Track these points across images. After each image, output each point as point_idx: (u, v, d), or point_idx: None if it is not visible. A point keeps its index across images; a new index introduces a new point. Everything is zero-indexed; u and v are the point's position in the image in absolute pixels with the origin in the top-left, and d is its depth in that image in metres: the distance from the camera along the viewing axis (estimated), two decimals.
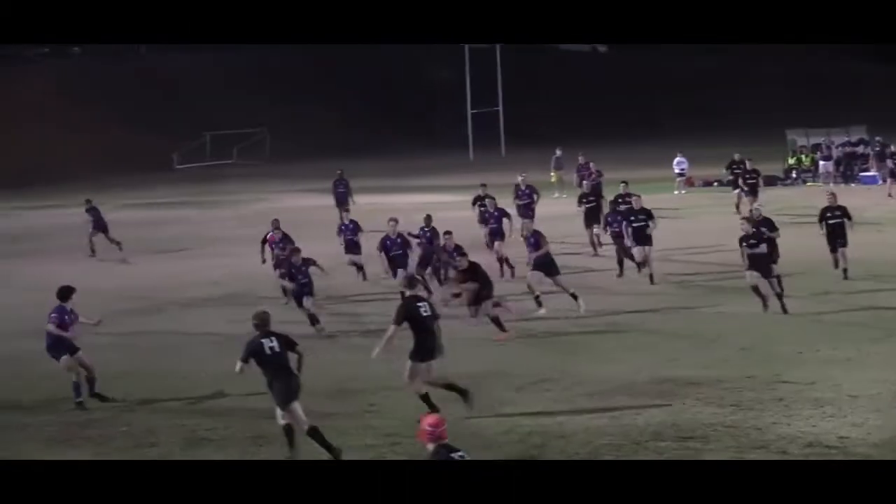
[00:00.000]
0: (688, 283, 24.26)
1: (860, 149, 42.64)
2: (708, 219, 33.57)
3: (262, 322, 14.03)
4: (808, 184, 40.85)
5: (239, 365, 13.94)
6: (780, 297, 19.83)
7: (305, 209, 37.86)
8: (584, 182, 31.88)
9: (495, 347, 19.56)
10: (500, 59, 62.72)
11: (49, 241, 33.29)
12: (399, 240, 23.59)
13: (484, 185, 28.98)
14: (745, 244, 20.20)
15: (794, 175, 42.18)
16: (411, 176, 51.92)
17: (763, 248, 19.94)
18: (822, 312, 20.40)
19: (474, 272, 19.95)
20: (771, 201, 33.14)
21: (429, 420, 9.78)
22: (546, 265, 21.56)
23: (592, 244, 26.95)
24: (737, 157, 34.49)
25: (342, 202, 33.57)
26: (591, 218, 26.77)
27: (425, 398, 14.48)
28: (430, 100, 71.19)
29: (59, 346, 16.56)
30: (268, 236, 24.74)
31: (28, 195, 50.27)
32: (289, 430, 13.79)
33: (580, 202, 27.44)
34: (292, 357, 14.36)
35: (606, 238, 26.41)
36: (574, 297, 20.83)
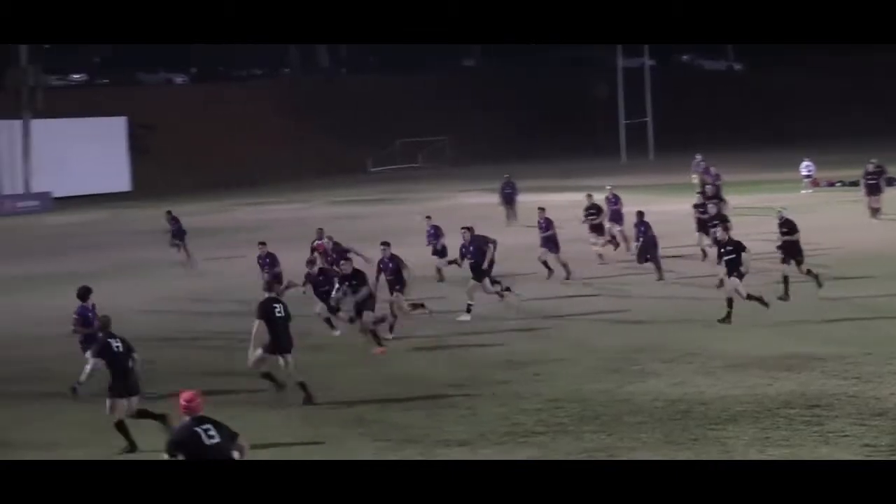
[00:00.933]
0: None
1: None
2: (830, 214, 32.35)
3: (105, 325, 13.63)
4: None
5: None
6: (757, 298, 17.68)
7: (478, 206, 38.03)
8: (707, 186, 29.79)
9: (648, 326, 18.89)
10: (651, 77, 64.15)
11: (267, 232, 32.50)
12: (391, 263, 20.46)
13: (590, 195, 25.81)
14: (722, 250, 18.39)
15: None
16: (571, 177, 51.61)
17: (735, 256, 17.80)
18: None
19: (360, 279, 17.77)
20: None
21: (185, 395, 9.17)
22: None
23: (702, 251, 24.40)
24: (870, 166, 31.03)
25: (508, 202, 33.07)
26: (703, 226, 24.61)
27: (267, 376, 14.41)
28: (590, 112, 71.38)
29: (87, 341, 15.24)
30: (315, 244, 22.49)
31: (247, 194, 51.45)
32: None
33: (695, 208, 24.92)
34: None
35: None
36: None
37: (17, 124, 51.77)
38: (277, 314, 15.09)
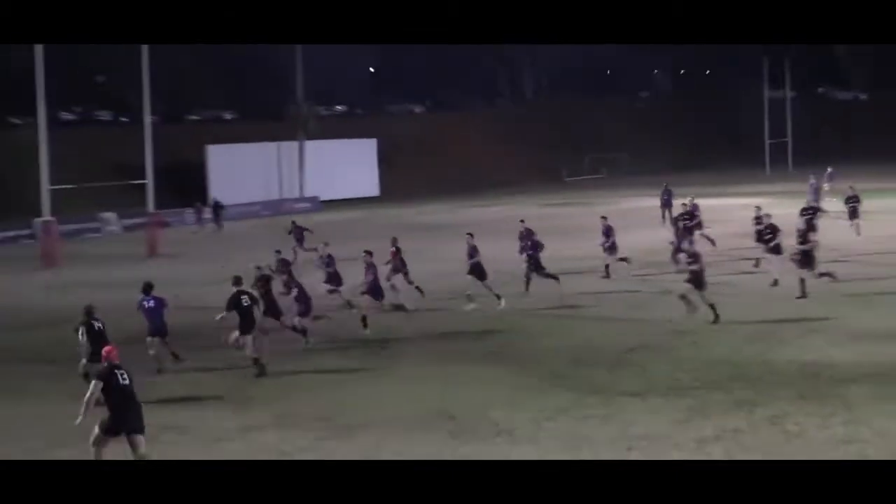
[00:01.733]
0: None
1: None
2: None
3: (87, 312, 12.84)
4: None
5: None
6: (712, 307, 16.29)
7: (643, 209, 37.02)
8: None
9: (787, 303, 17.83)
10: (791, 105, 64.50)
11: (485, 227, 31.44)
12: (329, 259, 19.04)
13: (759, 208, 22.82)
14: (686, 261, 17.26)
15: None
16: (724, 185, 50.61)
17: (696, 266, 16.51)
18: None
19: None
20: None
21: (107, 348, 9.69)
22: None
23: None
24: None
25: (665, 205, 32.22)
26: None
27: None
28: (737, 132, 71.56)
29: (149, 327, 14.54)
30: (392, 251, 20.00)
31: (470, 198, 50.91)
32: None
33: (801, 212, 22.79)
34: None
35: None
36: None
37: (295, 145, 51.94)
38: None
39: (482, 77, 70.41)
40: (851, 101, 78.32)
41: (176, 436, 11.30)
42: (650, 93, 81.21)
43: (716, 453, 9.85)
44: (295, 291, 15.93)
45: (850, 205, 27.50)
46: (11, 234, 37.14)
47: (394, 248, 20.09)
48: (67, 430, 10.03)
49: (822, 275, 18.12)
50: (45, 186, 30.85)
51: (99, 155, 44.43)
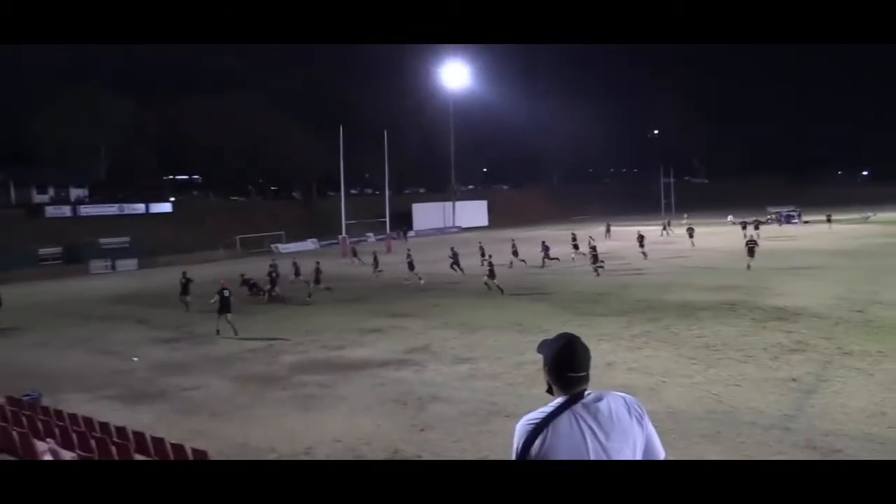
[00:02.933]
0: None
1: None
2: None
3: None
4: None
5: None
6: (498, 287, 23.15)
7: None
8: None
9: (672, 275, 26.10)
10: (672, 186, 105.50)
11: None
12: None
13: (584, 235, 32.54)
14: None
15: None
16: (635, 220, 74.70)
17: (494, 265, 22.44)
18: None
19: None
20: None
21: (222, 281, 13.00)
22: None
23: None
24: None
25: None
26: None
27: None
28: (650, 199, 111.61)
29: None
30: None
31: (529, 226, 75.55)
32: None
33: None
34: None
35: None
36: None
37: (451, 203, 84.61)
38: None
39: (535, 170, 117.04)
40: (699, 183, 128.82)
41: (398, 328, 19.65)
42: (609, 179, 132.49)
43: (640, 342, 16.14)
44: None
45: (689, 229, 43.81)
46: (330, 241, 64.01)
47: (513, 247, 32.28)
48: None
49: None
50: (343, 221, 57.82)
51: (365, 207, 74.14)
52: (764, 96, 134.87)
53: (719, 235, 49.75)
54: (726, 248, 39.64)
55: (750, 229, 46.52)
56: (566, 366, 3.45)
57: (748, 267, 29.71)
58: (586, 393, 3.45)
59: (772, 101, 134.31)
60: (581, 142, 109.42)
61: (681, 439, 10.60)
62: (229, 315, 21.37)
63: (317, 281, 30.24)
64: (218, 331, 21.75)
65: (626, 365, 15.40)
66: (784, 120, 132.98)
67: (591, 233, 46.14)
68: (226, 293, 21.42)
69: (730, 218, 67.19)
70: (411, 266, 30.56)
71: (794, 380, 13.53)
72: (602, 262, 29.97)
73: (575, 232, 41.06)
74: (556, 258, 34.40)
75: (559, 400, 3.44)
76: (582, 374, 3.46)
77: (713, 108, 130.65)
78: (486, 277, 26.70)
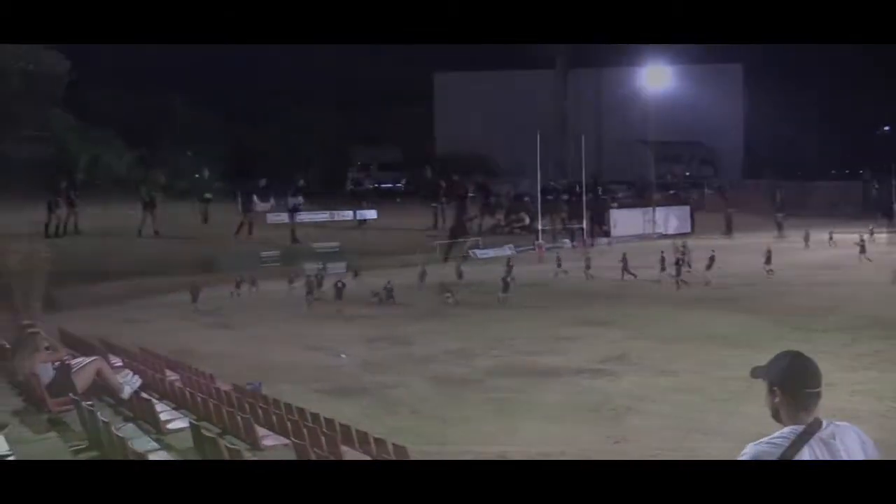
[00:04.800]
0: None
1: None
2: None
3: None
4: None
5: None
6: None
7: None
8: None
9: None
10: None
11: None
12: None
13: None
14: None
15: None
16: None
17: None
18: None
19: None
20: None
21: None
22: None
23: None
24: None
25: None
26: None
27: None
28: None
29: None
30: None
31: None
32: None
33: None
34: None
35: None
36: None
37: None
38: None
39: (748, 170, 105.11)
40: None
41: (593, 336, 21.42)
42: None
43: (866, 362, 16.70)
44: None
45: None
46: (526, 247, 76.53)
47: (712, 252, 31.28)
48: None
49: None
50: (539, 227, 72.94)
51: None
52: None
53: None
54: None
55: None
56: (802, 382, 3.35)
57: None
58: (824, 424, 3.34)
59: None
60: (798, 139, 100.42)
61: None
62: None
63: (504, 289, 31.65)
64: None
65: (848, 387, 14.77)
66: None
67: (789, 240, 44.13)
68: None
69: None
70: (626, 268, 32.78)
71: None
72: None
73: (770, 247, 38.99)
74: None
75: (794, 429, 3.32)
76: (818, 389, 3.36)
77: None
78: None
